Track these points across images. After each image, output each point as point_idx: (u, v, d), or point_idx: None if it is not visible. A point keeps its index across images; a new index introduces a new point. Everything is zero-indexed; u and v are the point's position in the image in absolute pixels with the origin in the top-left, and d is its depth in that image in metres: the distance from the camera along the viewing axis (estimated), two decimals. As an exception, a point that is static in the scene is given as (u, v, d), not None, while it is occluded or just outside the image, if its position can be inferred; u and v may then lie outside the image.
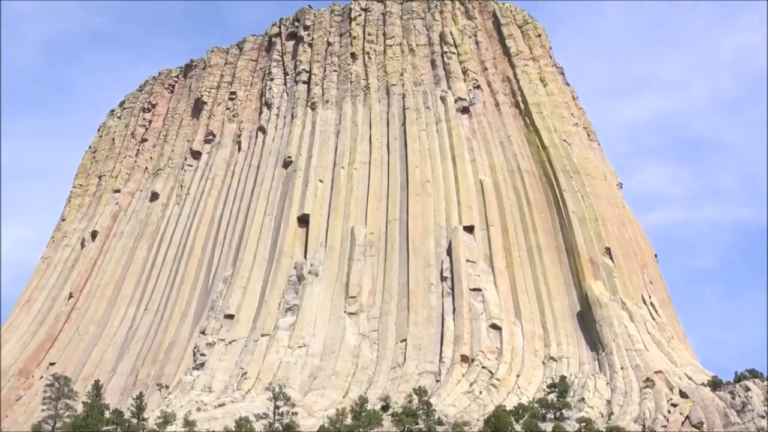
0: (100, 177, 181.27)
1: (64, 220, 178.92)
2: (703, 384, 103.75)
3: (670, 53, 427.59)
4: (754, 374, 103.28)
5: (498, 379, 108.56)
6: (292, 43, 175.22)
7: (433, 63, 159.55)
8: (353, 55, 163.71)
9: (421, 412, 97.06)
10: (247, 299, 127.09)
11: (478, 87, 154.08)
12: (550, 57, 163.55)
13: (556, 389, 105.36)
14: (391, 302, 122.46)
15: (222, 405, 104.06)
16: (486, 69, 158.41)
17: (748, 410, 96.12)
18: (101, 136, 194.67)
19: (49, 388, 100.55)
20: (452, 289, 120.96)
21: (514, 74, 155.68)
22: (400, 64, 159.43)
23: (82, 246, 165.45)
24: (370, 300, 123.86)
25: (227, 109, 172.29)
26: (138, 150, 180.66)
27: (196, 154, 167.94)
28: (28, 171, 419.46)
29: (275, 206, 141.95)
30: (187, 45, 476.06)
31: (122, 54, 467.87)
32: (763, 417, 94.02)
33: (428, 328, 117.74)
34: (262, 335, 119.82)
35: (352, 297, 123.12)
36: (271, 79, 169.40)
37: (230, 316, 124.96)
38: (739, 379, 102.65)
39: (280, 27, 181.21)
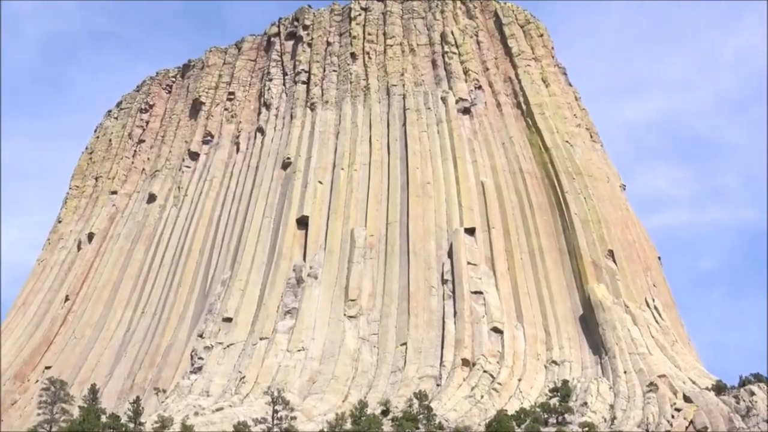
0: (96, 178, 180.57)
1: (60, 221, 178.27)
2: (707, 388, 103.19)
3: (673, 53, 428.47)
4: (758, 378, 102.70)
5: (499, 383, 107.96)
6: (291, 43, 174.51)
7: (433, 63, 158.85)
8: (353, 55, 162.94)
9: (421, 416, 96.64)
10: (246, 302, 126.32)
11: (480, 87, 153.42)
12: (553, 57, 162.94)
13: (559, 393, 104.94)
14: (392, 305, 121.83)
15: (220, 409, 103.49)
16: (487, 69, 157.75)
17: (752, 415, 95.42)
18: (98, 137, 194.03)
19: (45, 392, 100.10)
20: (453, 292, 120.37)
21: (516, 74, 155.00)
22: (400, 64, 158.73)
23: (79, 248, 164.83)
24: (370, 303, 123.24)
25: (225, 109, 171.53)
26: (135, 151, 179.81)
27: (194, 155, 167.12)
28: (24, 172, 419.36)
29: (274, 208, 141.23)
30: (185, 45, 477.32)
31: (120, 54, 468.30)
32: (767, 422, 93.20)
33: (429, 331, 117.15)
34: (261, 339, 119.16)
35: (352, 300, 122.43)
36: (270, 80, 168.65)
37: (228, 320, 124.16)
38: (743, 383, 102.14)
39: (279, 27, 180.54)
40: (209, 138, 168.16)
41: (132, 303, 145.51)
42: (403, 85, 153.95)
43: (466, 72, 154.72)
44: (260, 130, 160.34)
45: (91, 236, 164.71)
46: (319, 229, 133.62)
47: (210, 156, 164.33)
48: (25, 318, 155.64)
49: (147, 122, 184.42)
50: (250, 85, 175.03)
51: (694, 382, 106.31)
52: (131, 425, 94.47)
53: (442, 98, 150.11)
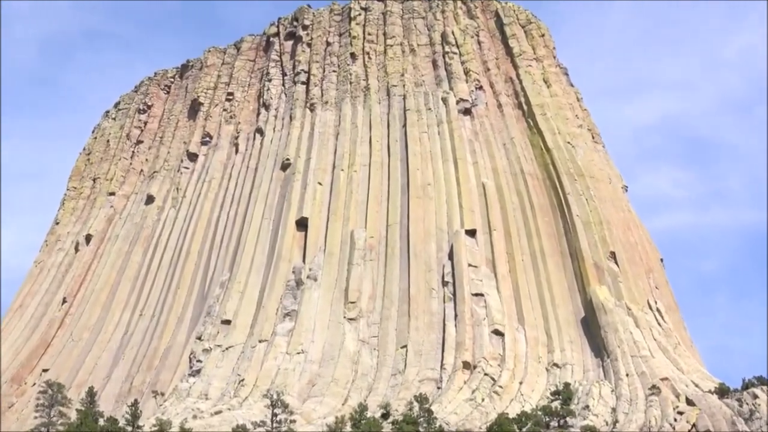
0: (94, 179, 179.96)
1: (57, 223, 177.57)
2: (710, 391, 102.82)
3: (675, 53, 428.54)
4: (762, 381, 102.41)
5: (500, 387, 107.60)
6: (290, 43, 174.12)
7: (434, 63, 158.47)
8: (353, 56, 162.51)
9: (422, 419, 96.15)
10: (245, 304, 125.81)
11: (481, 88, 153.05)
12: (554, 57, 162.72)
13: (560, 397, 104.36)
14: (392, 308, 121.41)
15: (219, 412, 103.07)
16: (488, 70, 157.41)
17: (755, 418, 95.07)
18: (96, 138, 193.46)
19: (42, 395, 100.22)
20: (454, 294, 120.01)
21: (517, 75, 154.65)
22: (400, 65, 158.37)
23: (76, 250, 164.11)
24: (370, 305, 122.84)
25: (224, 110, 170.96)
26: (133, 152, 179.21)
27: (193, 157, 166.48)
28: (21, 172, 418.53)
29: (273, 209, 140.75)
30: (183, 45, 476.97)
31: (118, 54, 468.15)
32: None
33: (429, 334, 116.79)
34: (260, 341, 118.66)
35: (352, 302, 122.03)
36: (269, 80, 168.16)
37: (227, 322, 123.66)
38: (746, 386, 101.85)
39: (278, 26, 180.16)
40: (208, 139, 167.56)
41: (130, 305, 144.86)
42: (404, 86, 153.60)
43: (466, 72, 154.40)
44: (259, 131, 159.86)
45: (88, 238, 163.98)
46: (318, 231, 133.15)
47: (209, 157, 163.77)
48: (22, 320, 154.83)
49: (145, 123, 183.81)
50: (249, 85, 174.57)
51: (696, 385, 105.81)
52: (129, 429, 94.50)
53: (442, 99, 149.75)
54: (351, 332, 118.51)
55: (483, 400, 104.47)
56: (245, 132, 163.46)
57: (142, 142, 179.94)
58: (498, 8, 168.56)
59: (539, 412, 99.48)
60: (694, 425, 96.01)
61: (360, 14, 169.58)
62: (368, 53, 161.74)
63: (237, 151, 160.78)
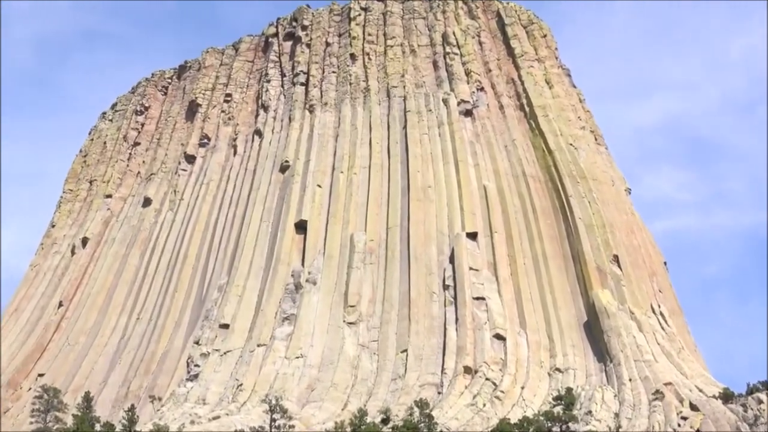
0: (91, 182, 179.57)
1: (53, 226, 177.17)
2: (714, 396, 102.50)
3: (678, 54, 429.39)
4: (766, 386, 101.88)
5: (502, 391, 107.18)
6: (289, 43, 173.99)
7: (435, 64, 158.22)
8: (353, 56, 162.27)
9: (422, 425, 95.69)
10: (243, 308, 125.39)
11: (482, 89, 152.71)
12: (556, 58, 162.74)
13: (563, 402, 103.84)
14: (392, 311, 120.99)
15: (216, 418, 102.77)
16: (490, 70, 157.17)
17: (760, 423, 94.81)
18: (92, 140, 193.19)
19: (38, 400, 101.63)
20: (455, 298, 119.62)
21: (519, 76, 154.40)
22: (401, 66, 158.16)
23: (73, 253, 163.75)
24: (369, 309, 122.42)
25: (222, 111, 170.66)
26: (130, 154, 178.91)
27: (191, 159, 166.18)
28: (17, 174, 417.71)
29: (272, 212, 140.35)
30: (181, 45, 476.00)
31: (115, 54, 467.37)
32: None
33: (430, 338, 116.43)
34: (259, 345, 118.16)
35: (352, 306, 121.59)
36: (268, 81, 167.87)
37: (225, 326, 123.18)
38: (751, 391, 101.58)
39: (277, 27, 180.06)
40: (206, 141, 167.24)
41: (127, 309, 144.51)
42: (404, 87, 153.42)
43: (467, 73, 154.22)
44: (258, 133, 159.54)
45: (85, 241, 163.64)
46: (317, 234, 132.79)
47: (207, 159, 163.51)
48: (18, 324, 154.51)
49: (142, 124, 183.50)
50: (247, 86, 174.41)
51: (700, 390, 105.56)
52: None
53: (443, 100, 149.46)
54: (351, 336, 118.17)
55: (484, 405, 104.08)
56: (244, 134, 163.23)
57: (139, 143, 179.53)
58: (499, 8, 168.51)
59: (541, 418, 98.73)
60: (698, 430, 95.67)
61: (360, 14, 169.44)
62: (368, 54, 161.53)
63: (235, 152, 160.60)
